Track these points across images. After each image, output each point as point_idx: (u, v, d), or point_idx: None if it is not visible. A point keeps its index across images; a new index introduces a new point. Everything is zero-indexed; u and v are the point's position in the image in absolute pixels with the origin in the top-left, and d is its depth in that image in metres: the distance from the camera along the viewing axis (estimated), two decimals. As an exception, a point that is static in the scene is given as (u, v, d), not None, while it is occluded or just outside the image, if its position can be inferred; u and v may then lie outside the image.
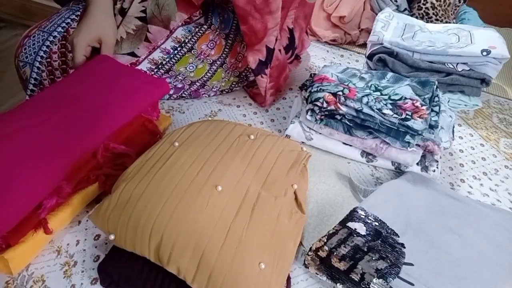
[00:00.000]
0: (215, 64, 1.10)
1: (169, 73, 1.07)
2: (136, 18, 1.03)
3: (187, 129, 0.78)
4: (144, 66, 1.05)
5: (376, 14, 1.39)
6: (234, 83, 1.15)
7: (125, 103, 0.80)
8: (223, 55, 1.10)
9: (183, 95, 1.10)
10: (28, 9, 2.54)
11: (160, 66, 1.05)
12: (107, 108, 0.77)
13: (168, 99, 1.11)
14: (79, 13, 1.04)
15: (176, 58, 1.06)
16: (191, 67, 1.07)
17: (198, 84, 1.10)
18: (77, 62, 0.93)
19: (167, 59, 1.05)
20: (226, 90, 1.15)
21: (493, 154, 1.05)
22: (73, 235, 0.74)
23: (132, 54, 1.03)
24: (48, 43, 1.00)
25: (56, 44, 1.00)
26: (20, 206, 0.62)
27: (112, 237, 0.63)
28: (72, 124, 0.73)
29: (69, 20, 1.03)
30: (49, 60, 1.00)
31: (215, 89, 1.13)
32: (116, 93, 0.81)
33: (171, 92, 1.09)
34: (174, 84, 1.09)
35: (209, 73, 1.10)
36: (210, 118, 1.06)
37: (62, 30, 1.01)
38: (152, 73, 1.06)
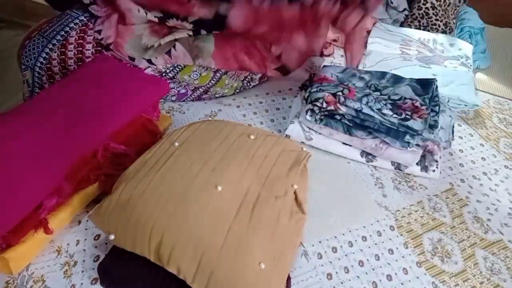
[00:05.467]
0: (220, 72, 1.09)
1: (173, 80, 1.07)
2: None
3: (187, 129, 0.78)
4: (147, 72, 1.05)
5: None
6: (237, 89, 1.16)
7: (125, 103, 0.80)
8: None
9: (186, 100, 1.11)
10: (28, 9, 2.53)
11: (164, 74, 1.05)
12: (107, 108, 0.77)
13: (168, 100, 1.11)
14: (77, 20, 1.03)
15: (180, 67, 1.06)
16: (195, 75, 1.07)
17: (201, 90, 1.10)
18: None
19: (170, 68, 1.06)
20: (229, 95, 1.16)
21: (493, 154, 1.04)
22: (73, 235, 0.74)
23: (149, 61, 1.04)
24: (47, 49, 1.00)
25: (55, 52, 1.00)
26: (20, 206, 0.62)
27: (112, 237, 0.63)
28: (72, 124, 0.73)
29: (67, 29, 1.01)
30: (49, 65, 1.00)
31: (218, 95, 1.13)
32: (116, 93, 0.81)
33: (173, 98, 1.09)
34: (178, 89, 1.08)
35: (214, 80, 1.10)
36: (210, 118, 1.06)
37: (61, 38, 1.00)
38: None
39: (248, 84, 1.16)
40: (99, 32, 1.01)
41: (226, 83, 1.12)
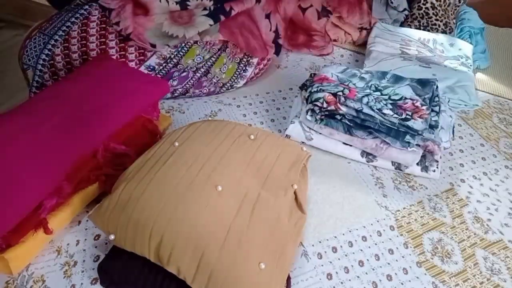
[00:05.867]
0: (219, 52, 1.13)
1: (177, 66, 1.08)
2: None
3: (187, 129, 0.78)
4: (153, 61, 1.06)
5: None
6: (234, 76, 1.16)
7: (125, 103, 0.80)
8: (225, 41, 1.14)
9: (187, 85, 1.11)
10: (28, 9, 2.53)
11: (168, 60, 1.06)
12: (107, 108, 0.77)
13: (169, 99, 1.11)
14: (78, 15, 1.04)
15: (184, 51, 1.07)
16: (198, 59, 1.09)
17: (202, 70, 1.11)
18: None
19: (175, 53, 1.07)
20: (227, 86, 1.16)
21: (493, 154, 1.04)
22: (73, 235, 0.74)
23: (154, 46, 1.07)
24: (50, 46, 1.00)
25: (58, 47, 1.00)
26: (20, 206, 0.62)
27: (112, 237, 0.63)
28: (72, 124, 0.73)
29: (69, 23, 1.02)
30: (52, 62, 1.01)
31: (216, 80, 1.14)
32: (116, 93, 0.81)
33: (175, 83, 1.09)
34: (180, 74, 1.10)
35: (213, 58, 1.13)
36: (210, 118, 1.06)
37: (63, 34, 1.01)
38: (161, 67, 1.07)
39: (245, 68, 1.17)
40: (117, 24, 1.02)
41: (224, 61, 1.14)
